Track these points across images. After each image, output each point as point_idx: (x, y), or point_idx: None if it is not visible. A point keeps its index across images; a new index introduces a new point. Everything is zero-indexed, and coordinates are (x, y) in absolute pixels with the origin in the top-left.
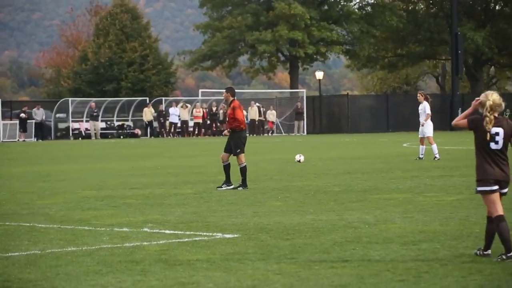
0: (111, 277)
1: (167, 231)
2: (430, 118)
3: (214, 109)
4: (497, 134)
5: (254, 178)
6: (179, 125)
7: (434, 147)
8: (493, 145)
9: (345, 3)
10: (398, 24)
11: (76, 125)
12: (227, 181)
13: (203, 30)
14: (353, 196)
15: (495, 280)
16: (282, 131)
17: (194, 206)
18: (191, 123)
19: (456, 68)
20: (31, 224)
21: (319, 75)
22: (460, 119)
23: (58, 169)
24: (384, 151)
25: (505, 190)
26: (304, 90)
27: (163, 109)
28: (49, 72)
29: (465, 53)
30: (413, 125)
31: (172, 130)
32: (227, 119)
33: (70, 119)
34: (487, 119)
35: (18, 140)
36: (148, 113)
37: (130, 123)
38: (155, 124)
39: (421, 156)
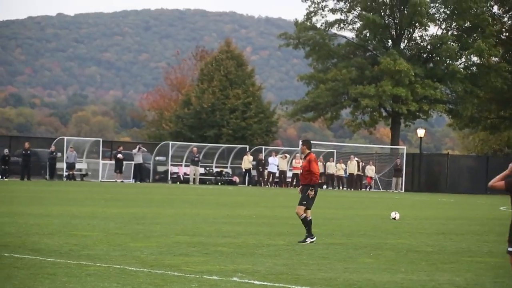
0: None
1: (256, 282)
2: None
3: None
4: None
5: (348, 233)
6: (277, 175)
7: None
8: None
9: (450, 61)
10: (503, 85)
11: (175, 169)
12: (309, 234)
13: (307, 81)
14: (445, 257)
15: None
16: (380, 187)
17: (285, 258)
18: (289, 173)
19: None
20: (122, 267)
21: (421, 132)
22: (497, 181)
23: (153, 212)
24: (480, 213)
25: None
26: (405, 147)
27: (263, 158)
28: (152, 114)
29: None
30: None
31: (270, 179)
32: (300, 171)
33: (170, 162)
34: None
35: (116, 181)
36: (247, 161)
37: (229, 170)
38: (254, 172)
39: None
